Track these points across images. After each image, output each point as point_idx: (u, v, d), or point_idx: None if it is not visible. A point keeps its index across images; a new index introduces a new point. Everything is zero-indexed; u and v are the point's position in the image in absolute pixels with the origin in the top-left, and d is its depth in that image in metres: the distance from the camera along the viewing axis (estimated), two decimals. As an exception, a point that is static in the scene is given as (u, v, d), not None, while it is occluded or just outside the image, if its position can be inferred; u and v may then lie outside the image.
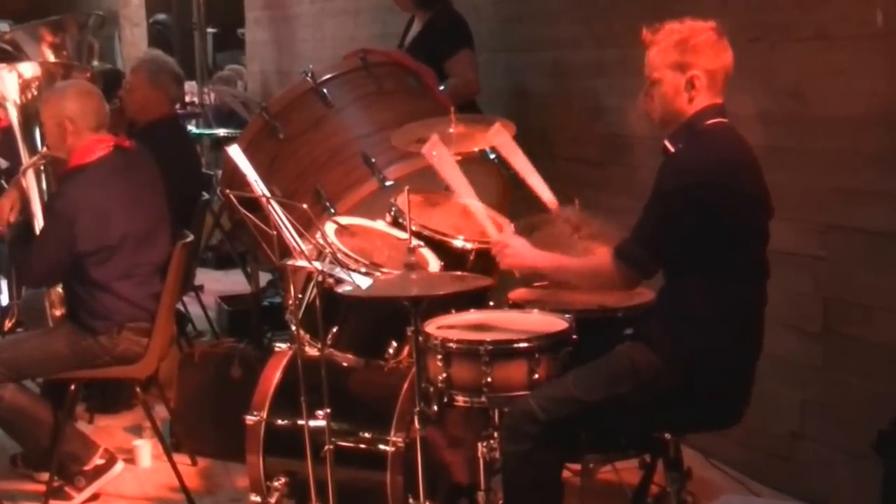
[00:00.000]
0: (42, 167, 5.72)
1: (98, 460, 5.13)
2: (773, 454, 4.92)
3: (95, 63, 9.52)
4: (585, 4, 6.09)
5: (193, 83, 11.74)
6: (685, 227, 3.57)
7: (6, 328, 6.81)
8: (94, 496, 5.13)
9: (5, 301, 7.10)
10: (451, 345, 3.84)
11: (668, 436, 3.92)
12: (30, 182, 5.61)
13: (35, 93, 6.06)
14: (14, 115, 6.05)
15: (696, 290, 3.64)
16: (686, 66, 3.63)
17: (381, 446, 4.18)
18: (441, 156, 4.27)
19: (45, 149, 5.40)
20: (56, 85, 5.63)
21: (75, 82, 5.55)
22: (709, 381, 3.66)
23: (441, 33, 6.37)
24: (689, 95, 3.65)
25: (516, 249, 4.03)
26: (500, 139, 4.53)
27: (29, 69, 6.22)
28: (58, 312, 5.52)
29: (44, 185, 5.73)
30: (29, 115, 5.84)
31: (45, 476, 5.09)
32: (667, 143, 3.72)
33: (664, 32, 3.68)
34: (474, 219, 4.34)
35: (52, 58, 7.16)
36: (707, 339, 3.63)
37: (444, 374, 3.84)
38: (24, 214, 5.30)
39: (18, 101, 6.06)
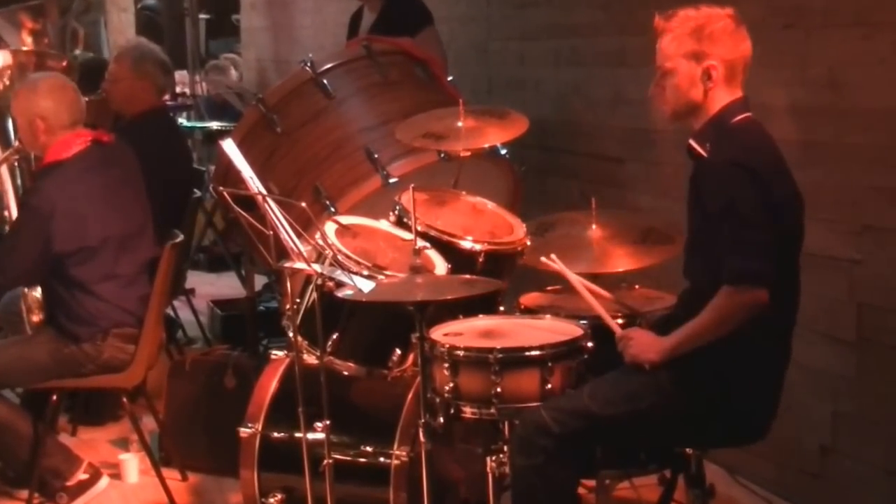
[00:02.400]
0: (16, 162, 5.76)
1: (82, 475, 5.15)
2: (802, 470, 4.92)
3: (78, 51, 9.58)
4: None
5: (185, 73, 11.76)
6: (765, 211, 3.52)
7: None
8: (78, 514, 5.17)
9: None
10: (458, 353, 3.86)
11: (689, 450, 3.93)
12: (3, 177, 5.65)
13: (7, 82, 6.10)
14: (-16, 107, 6.09)
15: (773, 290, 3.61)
16: (702, 56, 3.64)
17: (384, 461, 4.21)
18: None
19: (17, 143, 5.42)
20: (27, 79, 5.64)
21: (47, 76, 5.54)
22: (735, 394, 3.67)
23: (399, 15, 6.36)
24: (704, 87, 3.66)
25: (640, 342, 3.78)
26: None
27: (-1, 58, 6.26)
28: (35, 318, 5.55)
29: (18, 181, 5.77)
30: (0, 106, 5.87)
31: (25, 493, 5.11)
32: (693, 143, 3.71)
33: (678, 19, 3.68)
34: (496, 227, 4.32)
35: (32, 44, 7.19)
36: (735, 348, 3.62)
37: (451, 384, 3.85)
38: None
39: (-9, 92, 6.11)
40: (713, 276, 3.62)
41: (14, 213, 5.61)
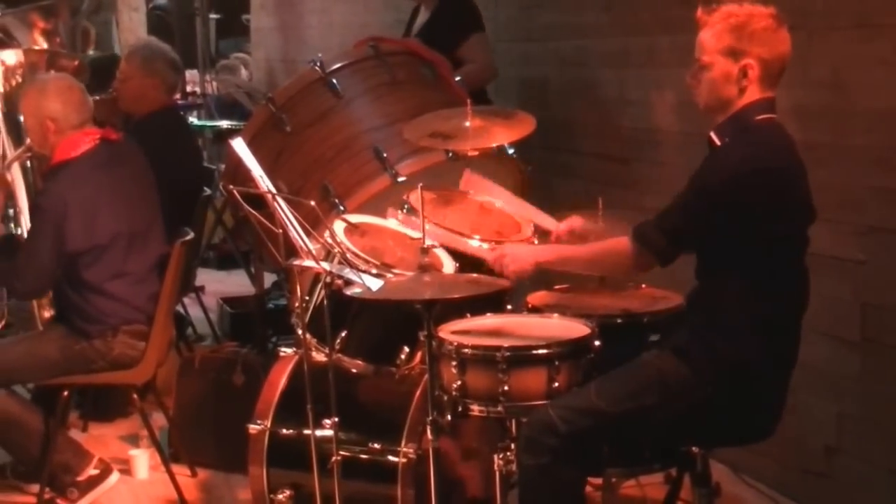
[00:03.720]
0: (28, 161, 5.74)
1: (92, 471, 5.14)
2: (807, 470, 4.91)
3: (92, 52, 9.57)
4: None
5: (195, 72, 11.78)
6: (715, 224, 3.56)
7: (-5, 331, 6.84)
8: (88, 508, 5.15)
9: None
10: (466, 351, 3.83)
11: (695, 449, 3.91)
12: (15, 176, 5.63)
13: (19, 80, 6.08)
14: (-3, 106, 6.08)
15: (731, 298, 3.62)
16: (740, 54, 3.58)
17: (392, 458, 4.19)
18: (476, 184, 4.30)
19: (29, 141, 5.41)
20: (35, 79, 5.63)
21: (55, 77, 5.54)
22: (741, 394, 3.65)
23: (452, 18, 6.38)
24: (740, 85, 3.60)
25: (515, 254, 4.01)
26: (471, 185, 4.56)
27: (11, 56, 6.24)
28: (46, 314, 5.54)
29: (30, 179, 5.76)
30: (13, 104, 5.86)
31: (36, 487, 5.10)
32: (713, 134, 3.68)
33: (720, 14, 3.62)
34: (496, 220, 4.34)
35: (44, 44, 7.18)
36: (742, 349, 3.61)
37: (459, 382, 3.83)
38: (5, 227, 5.26)
39: (1, 90, 6.09)
40: (712, 271, 3.67)
41: (25, 211, 5.58)
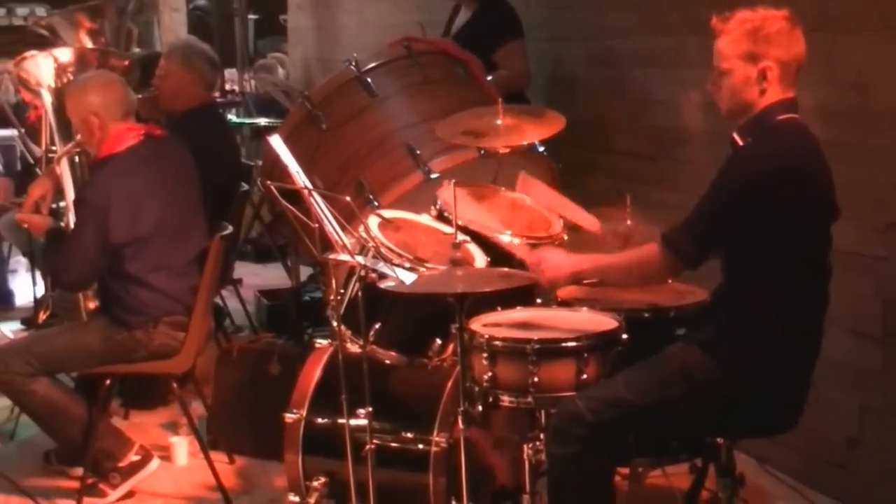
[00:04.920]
0: (76, 156, 5.77)
1: (133, 457, 5.16)
2: (829, 461, 4.89)
3: (137, 49, 9.61)
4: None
5: (234, 71, 11.82)
6: (741, 224, 3.55)
7: (40, 320, 6.87)
8: (129, 493, 5.17)
9: (40, 293, 7.16)
10: (496, 343, 3.84)
11: (720, 440, 3.90)
12: (64, 170, 5.66)
13: (70, 77, 6.12)
14: (49, 101, 6.10)
15: (756, 293, 3.61)
16: (758, 57, 3.59)
17: (424, 447, 4.19)
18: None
19: (79, 137, 5.43)
20: (76, 79, 5.66)
21: (94, 74, 5.58)
22: (765, 387, 3.64)
23: (490, 23, 6.37)
24: (760, 87, 3.60)
25: (552, 261, 4.01)
26: (527, 187, 4.56)
27: (65, 54, 6.28)
28: (91, 305, 5.56)
29: (78, 174, 5.79)
30: (63, 100, 5.89)
31: (79, 472, 5.12)
32: (736, 135, 3.67)
33: (735, 21, 3.62)
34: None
35: (89, 44, 7.21)
36: (766, 344, 3.61)
37: (490, 374, 3.84)
38: (59, 234, 5.29)
39: (53, 86, 6.12)
40: (731, 266, 3.67)
41: (71, 205, 5.61)
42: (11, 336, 7.04)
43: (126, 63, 7.06)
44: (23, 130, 7.70)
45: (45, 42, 7.23)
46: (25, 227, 5.40)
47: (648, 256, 3.76)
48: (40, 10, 16.25)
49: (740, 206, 3.54)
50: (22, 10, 17.95)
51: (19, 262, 9.00)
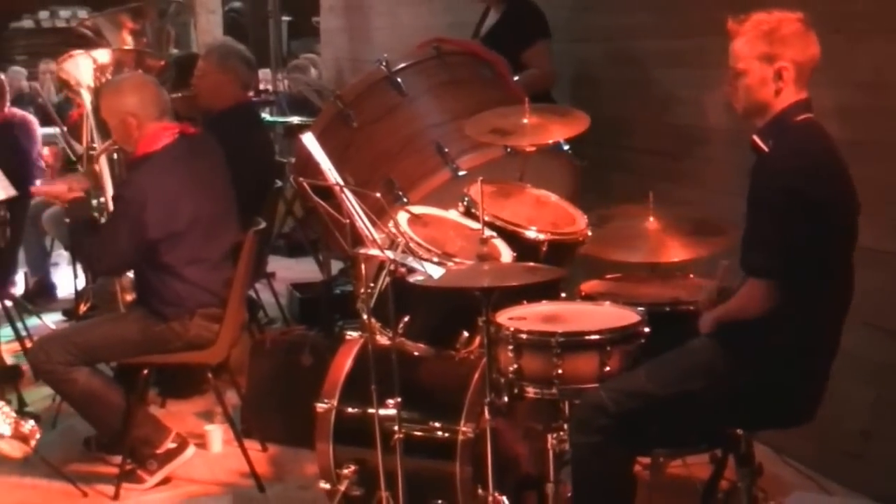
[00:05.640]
0: (114, 153, 5.79)
1: (170, 444, 5.17)
2: (845, 452, 4.86)
3: (175, 50, 9.63)
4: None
5: (268, 71, 11.84)
6: (798, 224, 3.51)
7: (81, 312, 6.89)
8: (166, 479, 5.18)
9: (81, 286, 7.18)
10: (522, 336, 3.84)
11: (739, 431, 3.89)
12: (103, 167, 5.68)
13: (108, 77, 6.13)
14: (88, 100, 6.12)
15: (784, 289, 3.58)
16: (774, 58, 3.58)
17: (451, 436, 4.18)
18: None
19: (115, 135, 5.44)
20: (110, 81, 5.67)
21: (128, 76, 5.60)
22: (784, 381, 3.63)
23: (518, 24, 6.36)
24: (776, 87, 3.59)
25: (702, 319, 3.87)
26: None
27: (102, 55, 6.30)
28: (129, 297, 5.58)
29: (116, 171, 5.81)
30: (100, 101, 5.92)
31: (118, 459, 5.14)
32: (756, 138, 3.65)
33: (751, 23, 3.62)
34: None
35: (131, 44, 7.23)
36: (787, 339, 3.59)
37: (515, 365, 3.84)
38: (86, 210, 5.31)
39: (92, 86, 6.14)
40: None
41: (110, 201, 5.63)
42: (53, 327, 7.06)
43: (161, 63, 7.08)
44: (65, 129, 7.72)
45: (88, 43, 7.24)
46: (67, 220, 5.41)
47: (748, 293, 3.64)
48: (82, 13, 16.34)
49: (792, 206, 3.49)
50: (65, 13, 18.09)
51: (61, 256, 9.05)
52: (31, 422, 4.41)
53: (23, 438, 4.33)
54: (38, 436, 4.37)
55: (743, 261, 3.63)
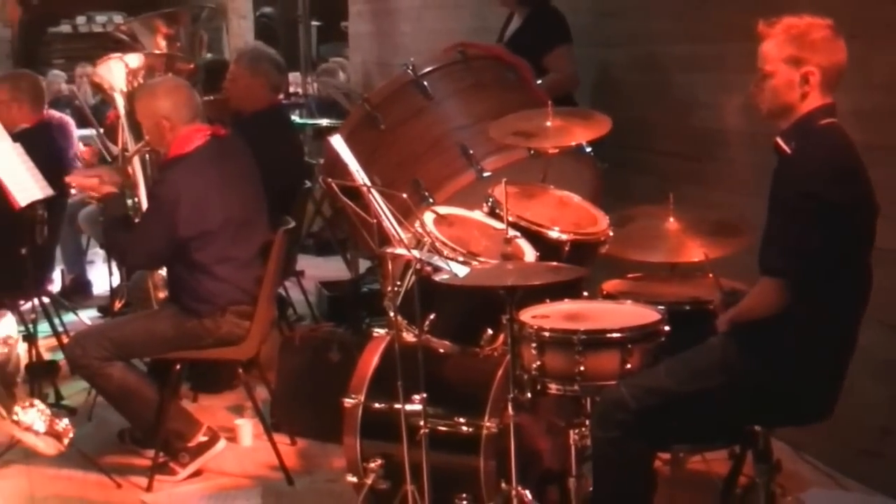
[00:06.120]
0: (146, 155, 5.82)
1: (201, 437, 5.18)
2: (862, 450, 4.84)
3: (209, 55, 9.66)
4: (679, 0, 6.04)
5: (298, 74, 11.85)
6: (816, 227, 3.49)
7: (115, 308, 6.92)
8: (197, 472, 5.19)
9: (116, 283, 7.21)
10: (545, 334, 3.84)
11: (757, 428, 3.87)
12: (136, 168, 5.70)
13: (140, 81, 6.16)
14: (121, 104, 6.15)
15: (802, 289, 3.56)
16: (801, 62, 3.55)
17: (475, 431, 4.17)
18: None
19: (148, 138, 5.46)
20: (144, 85, 5.69)
21: (162, 80, 5.62)
22: (802, 379, 3.61)
23: (540, 29, 6.35)
24: (802, 91, 3.57)
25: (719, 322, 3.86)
26: None
27: (134, 60, 6.32)
28: (161, 294, 5.59)
29: (149, 171, 5.83)
30: (133, 103, 5.94)
31: (151, 452, 5.15)
32: (779, 140, 3.63)
33: (781, 26, 3.59)
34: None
35: (165, 48, 7.25)
36: (805, 338, 3.57)
37: (538, 362, 3.84)
38: (120, 206, 5.33)
39: (125, 90, 6.16)
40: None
41: (144, 201, 5.65)
42: (89, 323, 7.09)
43: (191, 67, 7.10)
44: (101, 130, 7.75)
45: (124, 47, 7.27)
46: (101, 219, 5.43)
47: (760, 291, 3.64)
48: (118, 18, 16.39)
49: (812, 209, 3.47)
50: (101, 18, 18.17)
51: (97, 254, 9.08)
52: (66, 420, 4.42)
53: (56, 436, 4.34)
54: (71, 434, 4.38)
55: (760, 259, 3.62)
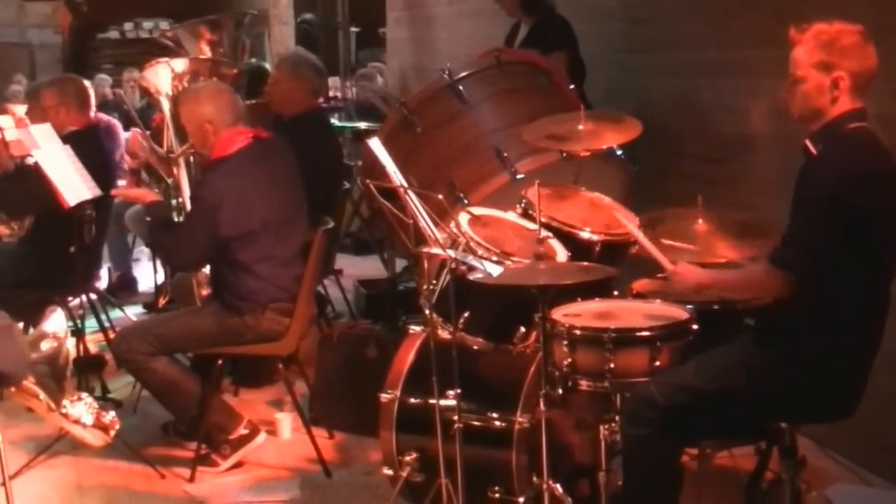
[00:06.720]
0: (190, 156, 5.84)
1: (242, 430, 5.20)
2: (887, 446, 4.80)
3: (253, 60, 9.70)
4: (707, 7, 6.01)
5: (337, 79, 11.86)
6: (834, 229, 3.47)
7: (160, 305, 6.95)
8: (238, 464, 5.20)
9: (160, 280, 7.24)
10: (576, 331, 3.84)
11: (783, 425, 3.85)
12: (181, 169, 5.72)
13: (185, 85, 6.19)
14: (167, 107, 6.18)
15: (823, 291, 3.53)
16: (832, 67, 3.53)
17: (508, 426, 4.17)
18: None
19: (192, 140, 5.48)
20: (187, 90, 5.71)
21: (205, 84, 5.62)
22: (827, 378, 3.59)
23: (542, 36, 6.35)
24: (832, 96, 3.54)
25: (683, 273, 3.89)
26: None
27: (180, 64, 6.35)
28: (204, 292, 5.61)
29: (192, 172, 5.85)
30: (178, 107, 5.97)
31: (194, 444, 5.18)
32: (808, 143, 3.61)
33: (812, 32, 3.57)
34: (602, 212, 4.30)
35: (209, 54, 7.28)
36: (831, 337, 3.55)
37: (569, 359, 3.83)
38: (165, 210, 5.35)
39: (170, 94, 6.19)
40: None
41: (188, 201, 5.67)
42: (134, 319, 7.13)
43: (234, 72, 7.12)
44: (147, 133, 7.79)
45: (169, 52, 7.31)
46: (148, 219, 5.45)
47: (758, 275, 3.66)
48: (164, 24, 16.48)
49: (832, 211, 3.45)
50: (148, 24, 18.26)
51: (142, 252, 9.12)
52: (112, 413, 4.44)
53: (103, 428, 4.37)
54: (117, 426, 4.40)
55: (774, 251, 3.59)
